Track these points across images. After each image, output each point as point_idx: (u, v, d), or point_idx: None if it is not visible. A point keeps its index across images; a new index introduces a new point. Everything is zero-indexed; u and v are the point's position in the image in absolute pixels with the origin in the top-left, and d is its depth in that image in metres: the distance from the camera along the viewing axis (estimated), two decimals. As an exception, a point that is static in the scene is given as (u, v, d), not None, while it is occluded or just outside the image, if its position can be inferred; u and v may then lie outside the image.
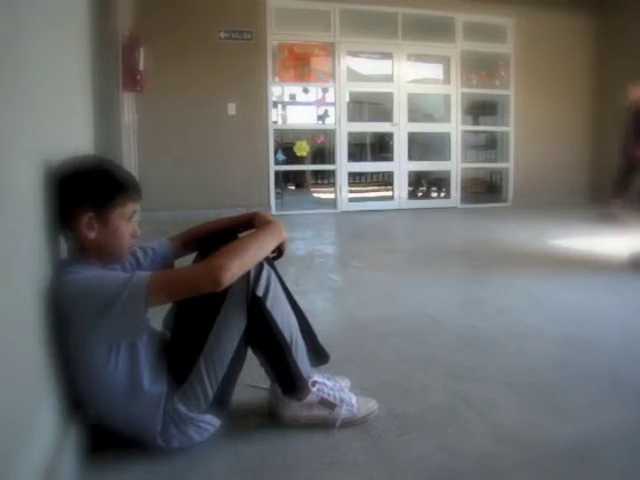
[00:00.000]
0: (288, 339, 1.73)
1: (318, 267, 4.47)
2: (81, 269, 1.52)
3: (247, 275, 1.65)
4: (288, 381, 1.77)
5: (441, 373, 2.26)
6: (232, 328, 1.65)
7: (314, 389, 1.78)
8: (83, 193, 1.52)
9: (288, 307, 1.79)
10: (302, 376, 1.77)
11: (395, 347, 2.59)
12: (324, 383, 1.81)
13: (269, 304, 1.69)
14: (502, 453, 1.65)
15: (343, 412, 1.78)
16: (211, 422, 1.66)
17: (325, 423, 1.78)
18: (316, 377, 1.81)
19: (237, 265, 1.51)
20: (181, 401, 1.59)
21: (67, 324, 1.46)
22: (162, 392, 1.58)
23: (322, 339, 1.96)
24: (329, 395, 1.79)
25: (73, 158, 1.60)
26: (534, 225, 6.47)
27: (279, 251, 1.82)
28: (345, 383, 1.99)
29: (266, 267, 1.71)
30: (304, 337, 1.82)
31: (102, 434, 1.58)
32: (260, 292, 1.67)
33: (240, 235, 1.78)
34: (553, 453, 1.65)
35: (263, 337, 1.69)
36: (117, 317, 1.43)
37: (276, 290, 1.73)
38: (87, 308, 1.44)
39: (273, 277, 1.73)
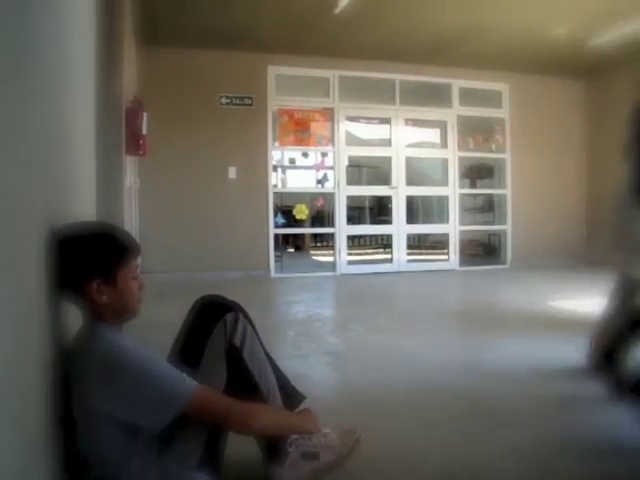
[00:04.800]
0: (265, 392, 1.75)
1: (317, 330, 4.43)
2: (109, 332, 1.52)
3: (224, 324, 1.72)
4: (268, 443, 1.78)
5: (442, 443, 2.21)
6: (213, 379, 1.66)
7: (291, 449, 1.77)
8: (88, 262, 1.53)
9: (265, 359, 1.81)
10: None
11: (394, 414, 2.54)
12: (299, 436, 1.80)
13: (246, 355, 1.73)
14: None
15: (328, 457, 1.77)
16: None
17: (318, 473, 1.76)
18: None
19: (266, 423, 1.63)
20: (172, 460, 1.56)
21: (80, 382, 1.45)
22: (153, 451, 1.54)
23: (319, 405, 1.93)
24: (308, 446, 1.78)
25: (74, 224, 1.62)
26: (532, 287, 6.45)
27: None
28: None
29: (242, 319, 1.76)
30: (279, 386, 1.83)
31: None
32: (237, 342, 1.72)
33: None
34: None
35: (241, 390, 1.68)
36: (144, 406, 1.44)
37: (253, 341, 1.77)
38: (115, 381, 1.43)
39: (249, 329, 1.77)
